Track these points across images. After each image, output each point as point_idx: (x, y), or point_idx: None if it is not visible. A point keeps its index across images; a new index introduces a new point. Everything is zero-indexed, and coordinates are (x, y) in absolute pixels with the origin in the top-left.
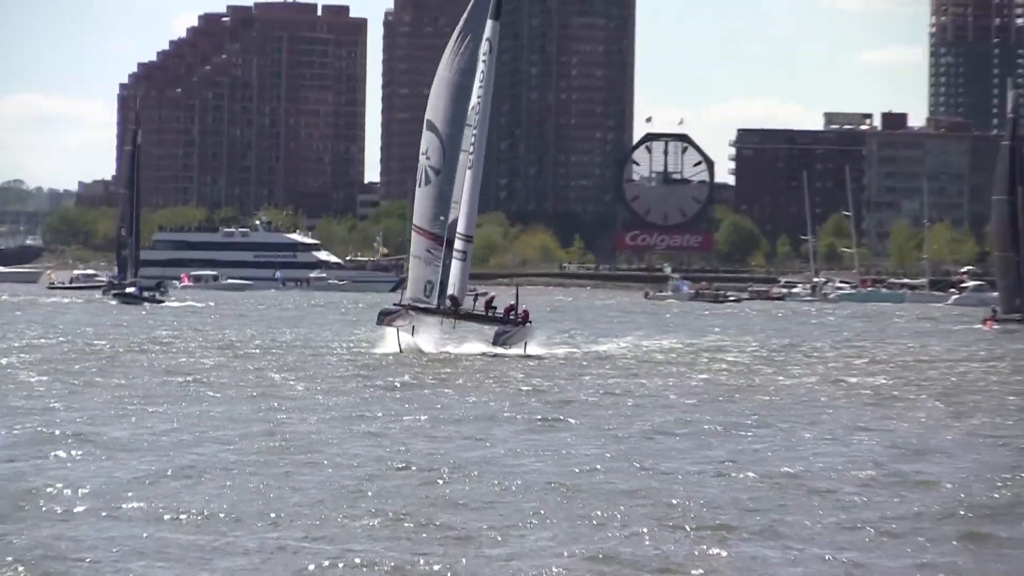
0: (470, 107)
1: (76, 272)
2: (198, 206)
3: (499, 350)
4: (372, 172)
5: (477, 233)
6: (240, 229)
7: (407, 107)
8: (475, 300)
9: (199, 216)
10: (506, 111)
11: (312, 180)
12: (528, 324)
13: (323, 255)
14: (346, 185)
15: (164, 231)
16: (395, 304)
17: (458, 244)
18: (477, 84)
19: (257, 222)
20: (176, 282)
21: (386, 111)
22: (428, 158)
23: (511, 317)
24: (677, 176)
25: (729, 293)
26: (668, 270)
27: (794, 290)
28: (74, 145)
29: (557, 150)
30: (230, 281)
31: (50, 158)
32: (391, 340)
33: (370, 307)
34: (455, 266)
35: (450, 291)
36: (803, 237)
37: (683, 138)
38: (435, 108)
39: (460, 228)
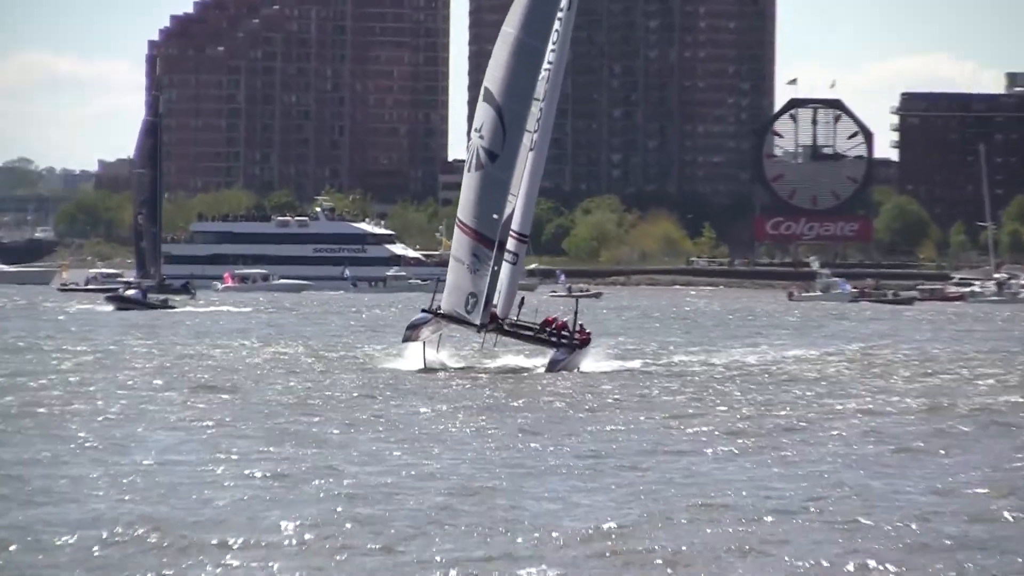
0: (540, 77)
1: (93, 271)
2: (245, 190)
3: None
4: (457, 147)
5: (585, 221)
6: (297, 218)
7: None
8: (520, 307)
9: (246, 202)
10: (619, 72)
11: (384, 157)
12: (584, 348)
13: (399, 248)
14: (426, 163)
15: (204, 220)
16: (424, 310)
17: (510, 244)
18: (551, 48)
19: (317, 209)
20: (217, 283)
21: (473, 72)
22: (482, 137)
23: (563, 336)
24: (828, 151)
25: (896, 292)
26: (816, 265)
27: (975, 288)
28: (93, 116)
29: (682, 119)
30: (283, 281)
31: (64, 132)
32: (414, 354)
33: None
34: (504, 271)
35: (496, 302)
36: (980, 224)
37: (835, 104)
38: (495, 75)
39: (515, 224)
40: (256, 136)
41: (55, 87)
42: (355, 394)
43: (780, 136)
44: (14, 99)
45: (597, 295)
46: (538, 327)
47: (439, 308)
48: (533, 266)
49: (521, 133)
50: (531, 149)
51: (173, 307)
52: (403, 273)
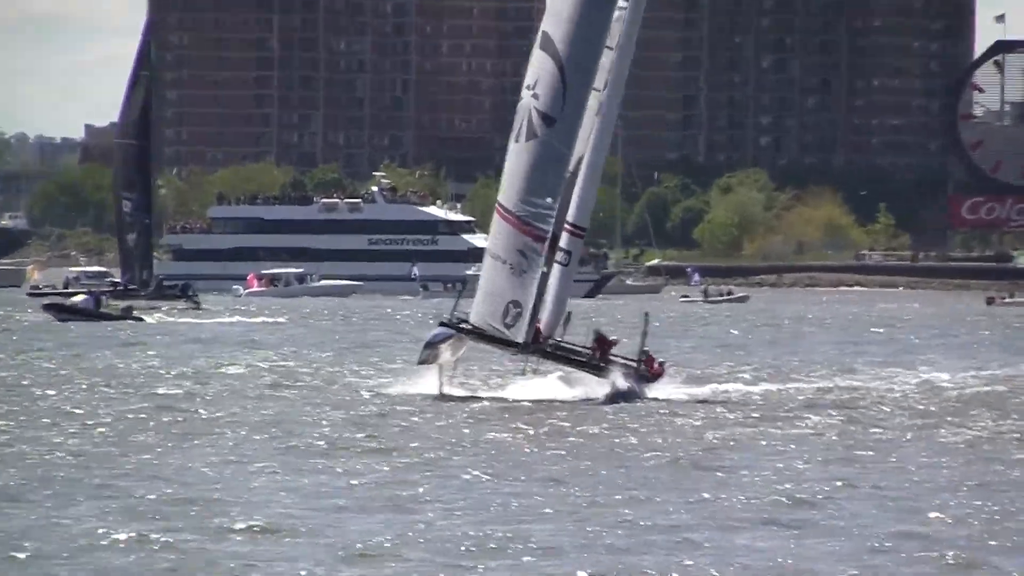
0: (614, 16)
1: (75, 270)
2: (280, 164)
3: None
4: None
5: (723, 203)
6: (347, 200)
7: None
8: (566, 326)
9: (281, 180)
10: (768, 8)
11: (461, 123)
12: (654, 382)
13: (480, 239)
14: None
15: (226, 203)
16: (446, 321)
17: (563, 239)
18: None
19: (374, 188)
20: (239, 286)
21: None
22: (536, 96)
23: (610, 357)
24: None
25: None
26: (1022, 260)
27: None
28: (78, 68)
29: (850, 70)
30: (325, 283)
31: (40, 88)
32: (430, 378)
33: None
34: (553, 274)
35: (542, 316)
36: None
37: None
38: (558, 18)
39: (569, 215)
40: (294, 94)
41: (31, 33)
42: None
43: (982, 91)
44: None
45: (742, 299)
46: (590, 350)
47: (464, 321)
48: (655, 262)
49: (587, 92)
50: (598, 114)
51: (140, 319)
52: None
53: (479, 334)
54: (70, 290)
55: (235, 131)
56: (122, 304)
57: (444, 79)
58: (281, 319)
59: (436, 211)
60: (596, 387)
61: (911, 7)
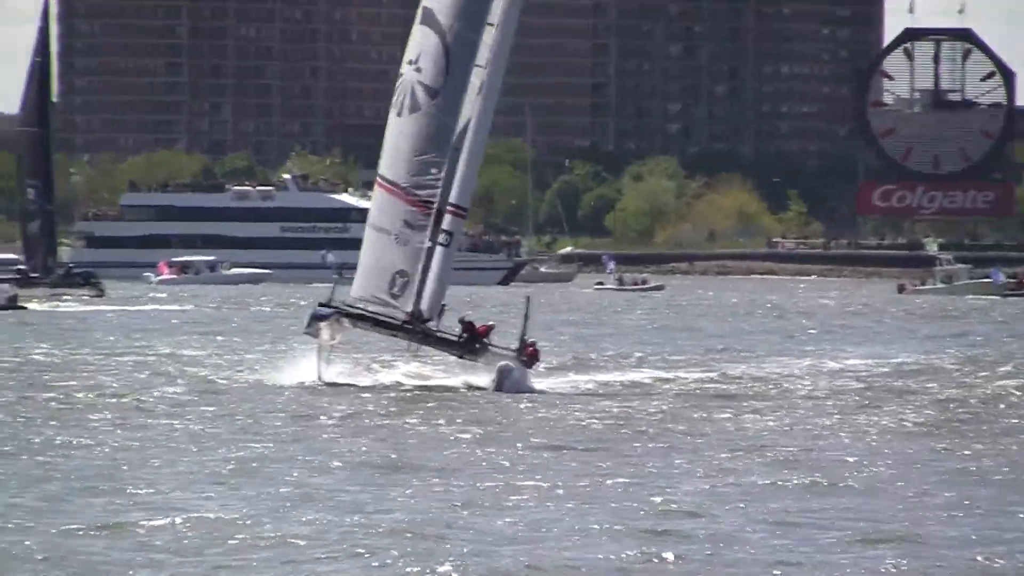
0: None
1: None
2: (191, 151)
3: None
4: None
5: (634, 191)
6: (259, 187)
7: None
8: (440, 317)
9: (192, 167)
10: None
11: (370, 109)
12: (532, 366)
13: None
14: None
15: (137, 191)
16: (323, 304)
17: (445, 221)
18: None
19: (286, 176)
20: (151, 273)
21: None
22: (419, 70)
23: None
24: (955, 97)
25: None
26: (934, 247)
27: None
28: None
29: (759, 57)
30: (237, 271)
31: None
32: (309, 363)
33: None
34: (435, 256)
35: (424, 298)
36: None
37: (965, 35)
38: None
39: (452, 196)
40: (203, 81)
41: None
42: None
43: (891, 78)
44: None
45: (658, 287)
46: (460, 336)
47: (344, 303)
48: (567, 250)
49: (470, 67)
50: (479, 93)
51: (22, 307)
52: None
53: (358, 317)
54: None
55: (145, 118)
56: (7, 294)
57: (353, 66)
58: (188, 307)
59: (348, 199)
60: (479, 375)
61: None
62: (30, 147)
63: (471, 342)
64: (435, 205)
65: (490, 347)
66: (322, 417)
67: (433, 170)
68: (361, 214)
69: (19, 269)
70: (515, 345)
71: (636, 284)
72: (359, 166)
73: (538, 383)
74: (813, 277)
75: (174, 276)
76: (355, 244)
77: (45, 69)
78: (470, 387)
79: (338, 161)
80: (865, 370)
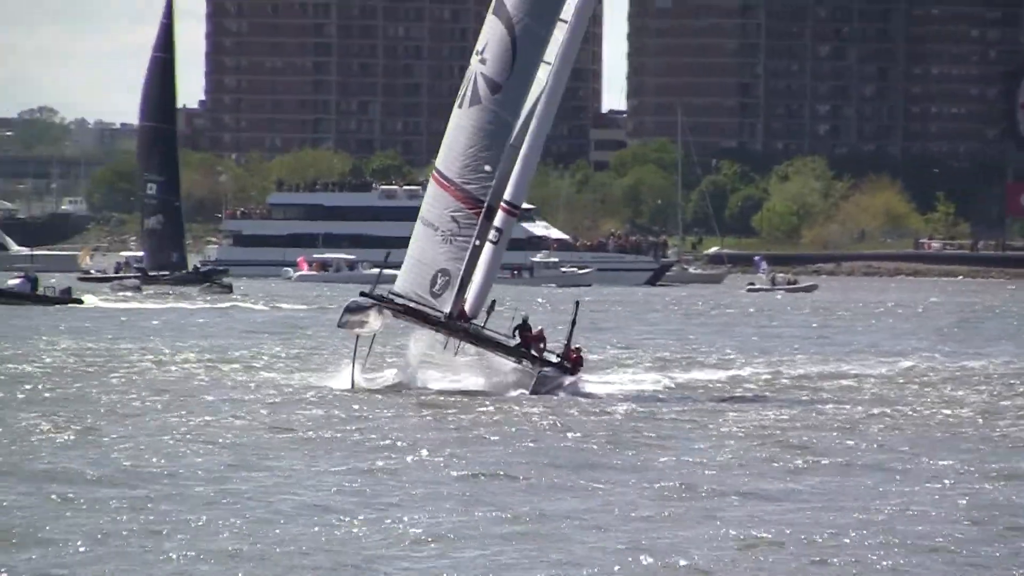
0: None
1: (126, 254)
2: (338, 151)
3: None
4: (613, 96)
5: (782, 191)
6: (406, 187)
7: None
8: (488, 314)
9: (340, 167)
10: None
11: None
12: (577, 375)
13: (540, 227)
14: (572, 114)
15: (284, 190)
16: (364, 294)
17: (496, 218)
18: None
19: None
20: (291, 270)
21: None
22: (484, 61)
23: (547, 354)
24: None
25: None
26: None
27: None
28: (134, 52)
29: (908, 58)
30: (376, 270)
31: (97, 73)
32: (342, 370)
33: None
34: (483, 253)
35: (468, 295)
36: None
37: None
38: None
39: (506, 193)
40: (352, 80)
41: (84, 14)
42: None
43: None
44: (30, 30)
45: (810, 287)
46: (513, 338)
47: (384, 296)
48: (714, 250)
49: (537, 62)
50: (543, 92)
51: (79, 301)
52: (555, 259)
53: (402, 309)
54: (121, 274)
55: (293, 117)
56: (61, 286)
57: None
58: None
59: None
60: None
61: None
62: (150, 143)
63: (522, 346)
64: (485, 203)
65: (542, 354)
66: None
67: (487, 167)
68: None
69: (139, 267)
70: (561, 351)
71: (789, 284)
72: None
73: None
74: (960, 277)
75: (313, 273)
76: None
77: (168, 66)
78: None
79: None
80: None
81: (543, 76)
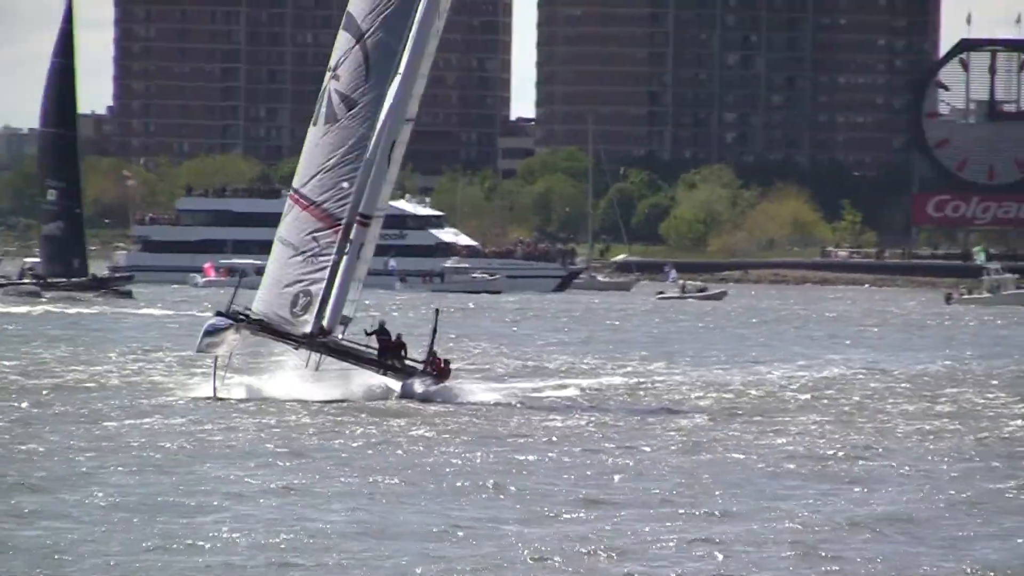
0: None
1: (30, 260)
2: (246, 156)
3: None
4: (522, 103)
5: (689, 199)
6: None
7: None
8: (345, 328)
9: (248, 172)
10: (734, 6)
11: (427, 115)
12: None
13: (448, 234)
14: (480, 122)
15: (194, 195)
16: (220, 313)
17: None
18: None
19: (344, 184)
20: (197, 276)
21: (545, 5)
22: (337, 77)
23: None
24: (1011, 108)
25: None
26: (982, 257)
27: None
28: (43, 57)
29: (816, 67)
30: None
31: (3, 78)
32: (206, 378)
33: (542, 317)
34: (340, 266)
35: (326, 309)
36: None
37: (1021, 46)
38: None
39: (362, 203)
40: (260, 86)
41: None
42: None
43: (947, 89)
44: None
45: (720, 295)
46: (373, 349)
47: (245, 311)
48: (622, 257)
49: (388, 74)
50: (391, 98)
51: None
52: (465, 265)
53: (263, 327)
54: (24, 280)
55: (201, 123)
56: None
57: None
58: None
59: (404, 205)
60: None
61: (876, 4)
62: (51, 148)
63: (385, 355)
64: (343, 222)
65: (404, 361)
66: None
67: (345, 184)
68: (418, 221)
69: (35, 273)
70: (424, 359)
71: (699, 291)
72: (417, 174)
73: None
74: (866, 285)
75: (221, 278)
76: (412, 251)
77: (68, 71)
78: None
79: None
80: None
81: (395, 90)
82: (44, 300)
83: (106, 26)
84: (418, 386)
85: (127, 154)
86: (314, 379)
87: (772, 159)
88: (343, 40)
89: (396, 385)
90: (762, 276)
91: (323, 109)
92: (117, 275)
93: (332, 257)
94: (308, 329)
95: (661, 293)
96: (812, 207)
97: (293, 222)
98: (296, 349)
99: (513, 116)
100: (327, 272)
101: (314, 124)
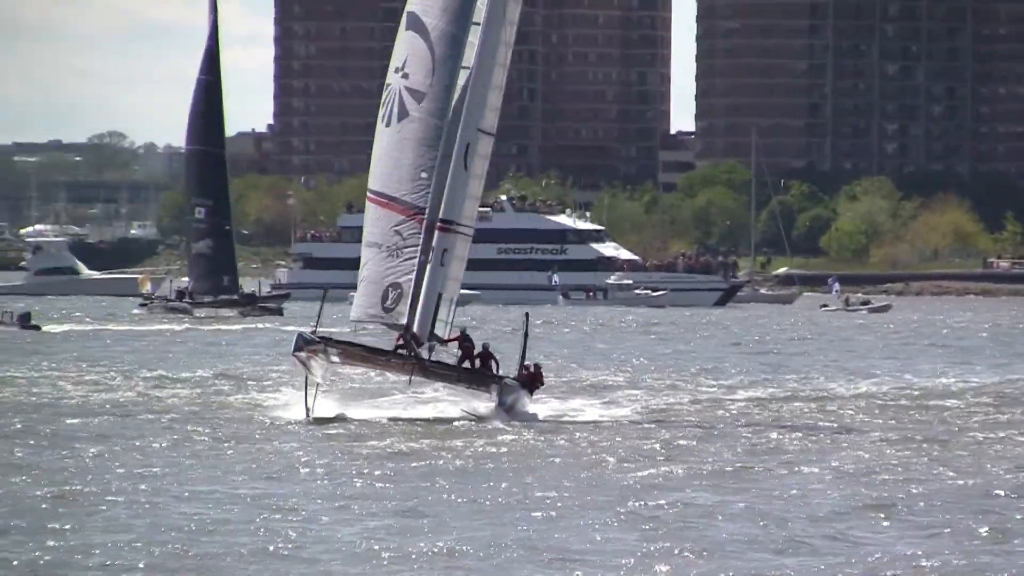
0: None
1: (186, 279)
2: None
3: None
4: (682, 116)
5: (850, 211)
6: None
7: (740, 10)
8: (431, 352)
9: None
10: (894, 16)
11: (586, 130)
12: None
13: (609, 248)
14: (640, 136)
15: (354, 212)
16: (305, 336)
17: (434, 237)
18: None
19: (503, 197)
20: (353, 293)
21: (704, 18)
22: (406, 76)
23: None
24: None
25: None
26: None
27: None
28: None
29: (976, 77)
30: None
31: (166, 97)
32: (298, 396)
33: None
34: (426, 273)
35: (416, 318)
36: None
37: None
38: None
39: (441, 210)
40: None
41: (153, 38)
42: None
43: None
44: (101, 54)
45: (884, 307)
46: (458, 362)
47: (326, 338)
48: (783, 270)
49: (456, 62)
50: (464, 100)
51: (37, 327)
52: (628, 281)
53: (343, 348)
54: (165, 298)
55: (361, 140)
56: (18, 312)
57: (569, 88)
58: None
59: (565, 220)
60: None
61: None
62: (196, 166)
63: (473, 370)
64: (427, 210)
65: (494, 375)
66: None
67: (423, 175)
68: (578, 235)
69: (180, 290)
70: (518, 367)
71: (864, 304)
72: (574, 188)
73: None
74: None
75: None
76: (573, 265)
77: (214, 89)
78: (469, 415)
79: (554, 182)
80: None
81: (461, 82)
82: (191, 318)
83: (266, 44)
84: (514, 402)
85: (287, 172)
86: (407, 400)
87: (933, 169)
88: (406, 38)
89: (487, 408)
90: (924, 288)
91: (393, 109)
92: (275, 293)
93: (418, 253)
94: (403, 321)
95: (825, 306)
96: (973, 218)
97: (375, 222)
98: (386, 370)
99: (673, 130)
100: (415, 265)
101: (386, 125)
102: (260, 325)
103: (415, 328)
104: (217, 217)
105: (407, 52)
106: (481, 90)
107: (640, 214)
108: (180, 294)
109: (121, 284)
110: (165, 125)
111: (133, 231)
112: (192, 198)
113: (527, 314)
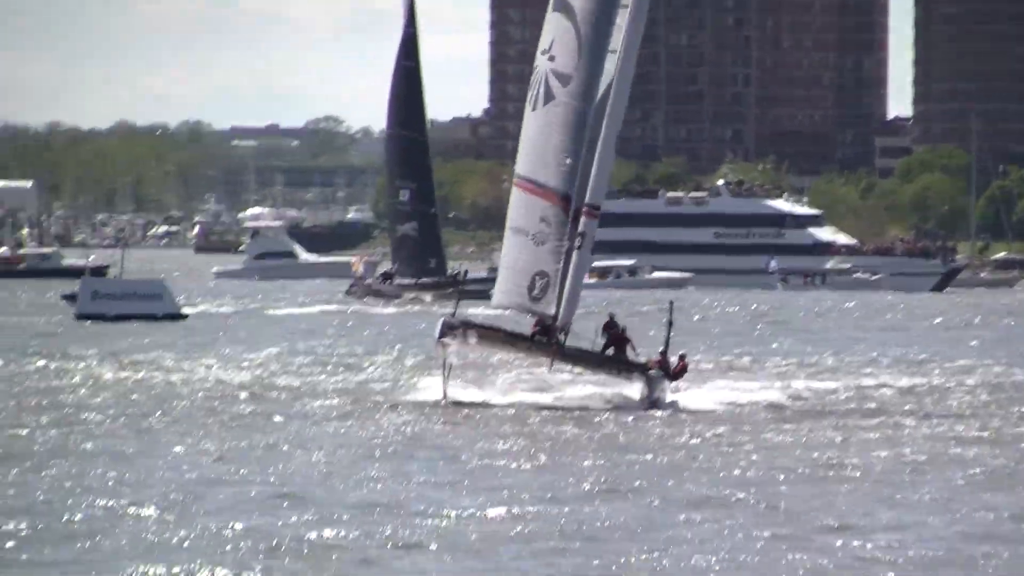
0: None
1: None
2: (621, 158)
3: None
4: (900, 102)
5: None
6: (692, 194)
7: None
8: (565, 336)
9: (624, 174)
10: None
11: (802, 115)
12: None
13: (826, 233)
14: (856, 122)
15: None
16: (448, 323)
17: (580, 223)
18: None
19: (720, 182)
20: None
21: (922, 3)
22: (552, 58)
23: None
24: None
25: None
26: None
27: None
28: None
29: None
30: (658, 275)
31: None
32: (436, 379)
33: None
34: (572, 259)
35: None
36: None
37: None
38: None
39: (587, 195)
40: (633, 88)
41: (371, 24)
42: None
43: None
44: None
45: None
46: (603, 349)
47: (468, 322)
48: (1003, 254)
49: (603, 45)
50: (611, 83)
51: (183, 315)
52: (848, 265)
53: (482, 331)
54: (370, 282)
55: None
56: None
57: (784, 74)
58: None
59: (782, 204)
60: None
61: None
62: (397, 150)
63: (615, 358)
64: (572, 198)
65: (637, 364)
66: None
67: (570, 160)
68: (796, 220)
69: (385, 273)
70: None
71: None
72: (790, 172)
73: None
74: None
75: (593, 280)
76: (790, 250)
77: (413, 74)
78: (612, 401)
79: (770, 167)
80: None
81: (609, 67)
82: (395, 301)
83: (483, 29)
84: (660, 391)
85: (502, 157)
86: (543, 382)
87: None
88: (552, 20)
89: (634, 392)
90: None
91: (540, 92)
92: (489, 276)
93: (565, 239)
94: (551, 311)
95: None
96: None
97: (521, 208)
98: (525, 355)
99: (890, 115)
100: (562, 253)
101: (532, 109)
102: (443, 309)
103: (561, 317)
104: (420, 201)
105: (553, 34)
106: (628, 69)
107: (856, 199)
108: (385, 276)
109: (338, 268)
110: (381, 110)
111: (349, 215)
112: (395, 181)
113: (671, 302)
